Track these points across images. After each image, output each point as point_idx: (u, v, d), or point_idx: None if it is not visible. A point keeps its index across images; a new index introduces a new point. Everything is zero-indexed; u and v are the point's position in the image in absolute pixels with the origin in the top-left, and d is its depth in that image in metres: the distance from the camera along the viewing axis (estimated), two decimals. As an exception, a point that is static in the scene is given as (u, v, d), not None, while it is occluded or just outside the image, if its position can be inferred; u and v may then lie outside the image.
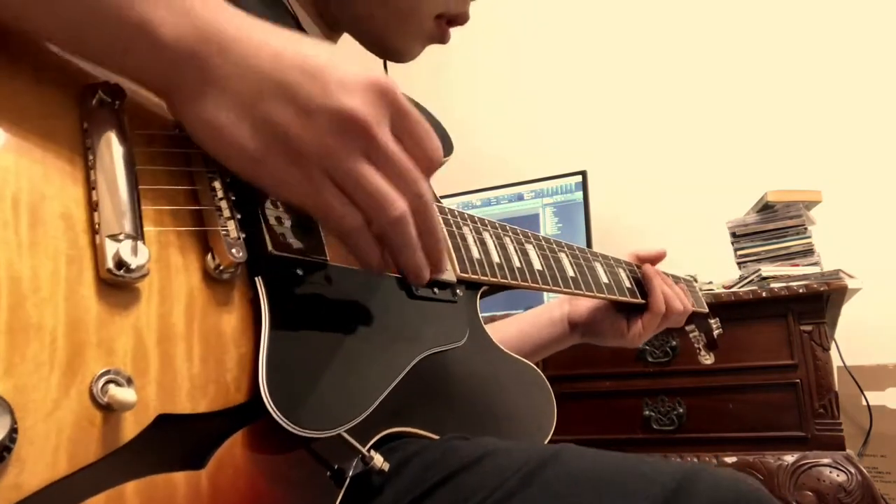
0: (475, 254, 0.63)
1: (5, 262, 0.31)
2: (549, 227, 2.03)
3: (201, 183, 0.42)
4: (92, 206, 0.36)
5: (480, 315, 0.63)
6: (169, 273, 0.38)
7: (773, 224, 1.65)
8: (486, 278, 0.63)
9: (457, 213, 0.65)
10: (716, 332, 1.01)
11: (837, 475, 1.30)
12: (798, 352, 1.41)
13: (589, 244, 1.94)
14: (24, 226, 0.33)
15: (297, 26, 0.64)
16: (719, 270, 1.73)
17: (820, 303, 1.42)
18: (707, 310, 1.02)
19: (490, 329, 0.64)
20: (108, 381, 0.33)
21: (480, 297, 0.65)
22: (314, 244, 0.46)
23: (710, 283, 1.64)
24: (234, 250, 0.39)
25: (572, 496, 0.42)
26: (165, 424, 0.35)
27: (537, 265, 0.72)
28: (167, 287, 0.37)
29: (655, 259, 0.94)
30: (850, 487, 1.28)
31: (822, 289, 1.40)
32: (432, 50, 0.72)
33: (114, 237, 0.35)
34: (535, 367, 0.65)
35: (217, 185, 0.42)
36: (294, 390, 0.40)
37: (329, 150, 0.39)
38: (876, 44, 2.00)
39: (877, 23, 2.01)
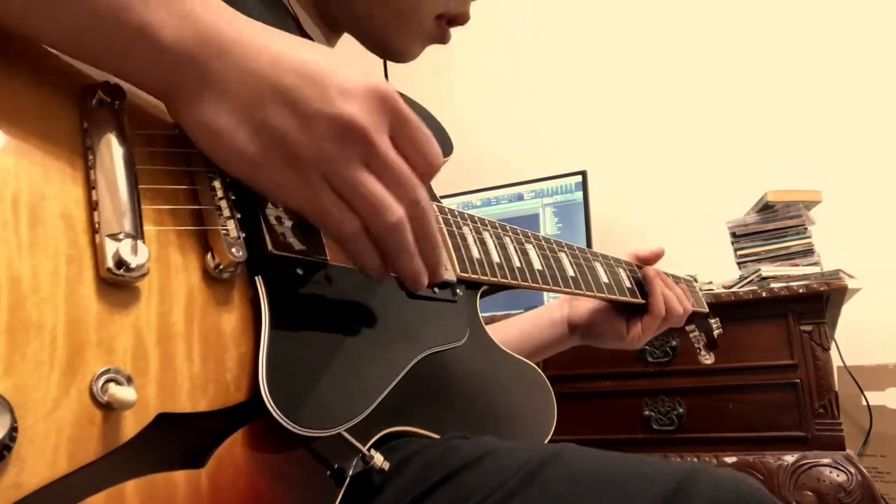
0: (475, 253, 0.63)
1: (5, 262, 0.31)
2: (549, 227, 2.03)
3: (201, 182, 0.42)
4: (92, 206, 0.36)
5: (480, 315, 0.63)
6: (169, 272, 0.38)
7: (773, 224, 1.65)
8: (486, 278, 0.63)
9: (457, 212, 0.65)
10: (716, 332, 1.01)
11: (837, 475, 1.30)
12: (798, 352, 1.41)
13: (589, 244, 1.94)
14: (24, 226, 0.33)
15: (298, 27, 0.64)
16: (719, 270, 1.73)
17: (820, 303, 1.42)
18: (707, 310, 1.02)
19: (490, 330, 0.64)
20: (108, 380, 0.33)
21: (480, 297, 0.65)
22: (314, 244, 0.46)
23: (710, 283, 1.64)
24: (234, 249, 0.39)
25: (572, 496, 0.42)
26: (165, 423, 0.35)
27: (537, 265, 0.72)
28: (167, 286, 0.37)
29: (654, 258, 0.94)
30: (850, 487, 1.28)
31: (822, 289, 1.40)
32: (432, 50, 0.72)
33: (114, 236, 0.35)
34: (535, 366, 0.65)
35: (217, 184, 0.42)
36: (294, 389, 0.40)
37: (327, 156, 0.39)
38: (876, 44, 2.00)
39: (877, 23, 2.01)
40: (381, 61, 0.73)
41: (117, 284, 0.35)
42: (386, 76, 0.77)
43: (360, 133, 0.39)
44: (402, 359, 0.49)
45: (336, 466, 0.42)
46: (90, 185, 0.36)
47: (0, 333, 0.30)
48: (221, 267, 0.39)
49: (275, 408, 0.38)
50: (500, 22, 2.45)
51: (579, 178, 2.02)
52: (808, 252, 1.59)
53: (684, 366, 1.49)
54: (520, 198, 2.10)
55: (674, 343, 1.51)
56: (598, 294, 0.80)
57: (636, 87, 2.29)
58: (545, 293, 1.82)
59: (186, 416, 0.36)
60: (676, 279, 0.96)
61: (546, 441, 0.61)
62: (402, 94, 0.61)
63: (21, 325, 0.31)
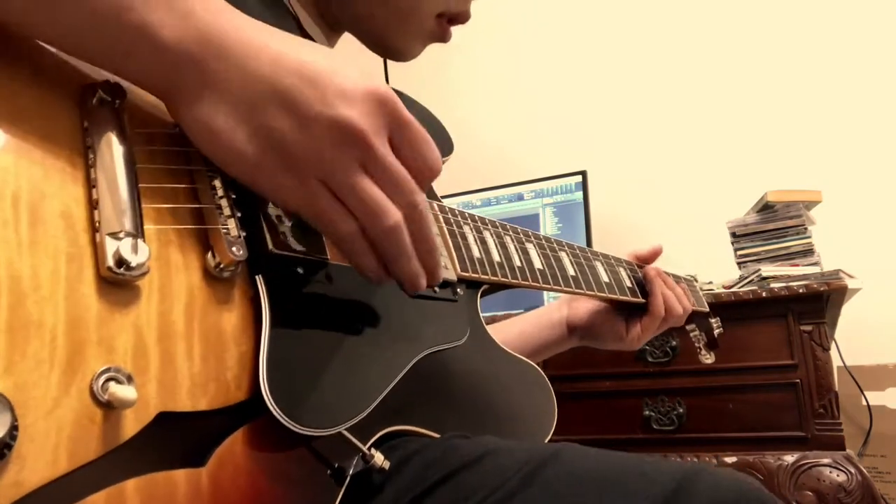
0: (476, 253, 0.63)
1: (6, 261, 0.31)
2: (549, 227, 2.03)
3: (201, 181, 0.42)
4: (92, 205, 0.36)
5: (481, 315, 0.63)
6: (169, 271, 0.38)
7: (773, 224, 1.65)
8: (486, 277, 0.63)
9: (457, 211, 0.65)
10: (716, 332, 1.01)
11: (837, 475, 1.30)
12: (798, 352, 1.41)
13: (589, 244, 1.94)
14: (25, 224, 0.33)
15: (299, 27, 0.64)
16: (719, 270, 1.73)
17: (820, 303, 1.42)
18: (708, 309, 1.02)
19: (490, 330, 0.64)
20: (108, 379, 0.33)
21: (481, 296, 0.65)
22: (315, 243, 0.46)
23: (710, 283, 1.64)
24: (234, 248, 0.39)
25: (573, 495, 0.42)
26: (166, 422, 0.35)
27: (538, 264, 0.72)
28: (167, 285, 0.37)
29: (652, 256, 0.94)
30: (850, 487, 1.28)
31: (822, 289, 1.40)
32: (433, 49, 0.72)
33: (114, 235, 0.35)
34: (535, 366, 0.65)
35: (217, 183, 0.42)
36: (295, 388, 0.40)
37: (325, 159, 0.39)
38: (876, 44, 2.00)
39: (877, 23, 2.01)
40: (381, 60, 0.73)
41: (118, 283, 0.35)
42: (386, 75, 0.77)
43: (358, 137, 0.39)
44: (402, 358, 0.49)
45: (336, 465, 0.42)
46: (90, 184, 0.36)
47: (0, 332, 0.30)
48: (222, 266, 0.39)
49: (275, 407, 0.38)
50: (500, 21, 2.45)
51: (579, 177, 2.02)
52: (808, 252, 1.59)
53: (684, 366, 1.49)
54: (520, 198, 2.10)
55: (674, 343, 1.51)
56: (598, 293, 0.80)
57: (636, 88, 2.29)
58: (546, 292, 1.82)
59: (187, 414, 0.36)
60: (677, 278, 0.96)
61: (546, 441, 0.61)
62: (402, 94, 0.61)
63: (21, 324, 0.31)
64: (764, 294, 1.44)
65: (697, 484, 0.42)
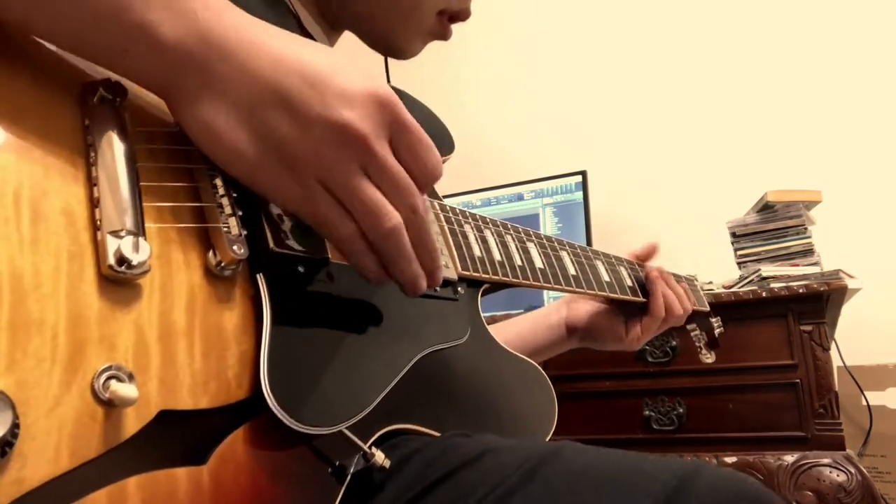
0: (476, 252, 0.63)
1: (7, 259, 0.31)
2: (549, 226, 2.03)
3: (202, 180, 0.42)
4: (93, 203, 0.36)
5: (482, 314, 0.63)
6: (170, 269, 0.38)
7: (773, 224, 1.65)
8: (487, 276, 0.63)
9: (458, 210, 0.65)
10: (717, 331, 1.01)
11: (837, 475, 1.30)
12: (798, 352, 1.41)
13: (589, 244, 1.93)
14: (26, 222, 0.33)
15: (299, 26, 0.64)
16: (719, 270, 1.73)
17: (820, 303, 1.42)
18: (708, 308, 1.02)
19: (490, 331, 0.64)
20: (109, 377, 0.33)
21: (482, 295, 0.65)
22: (316, 242, 0.46)
23: (710, 283, 1.64)
24: (235, 247, 0.39)
25: (573, 493, 0.42)
26: (167, 420, 0.35)
27: (539, 263, 0.72)
28: (168, 283, 0.37)
29: (649, 254, 0.94)
30: (850, 487, 1.28)
31: (822, 289, 1.41)
32: (433, 48, 0.72)
33: (115, 233, 0.35)
34: (536, 365, 0.65)
35: (218, 181, 0.42)
36: (295, 387, 0.40)
37: (325, 161, 0.39)
38: (876, 44, 2.00)
39: (877, 23, 2.01)
40: (382, 58, 0.73)
41: (119, 281, 0.35)
42: (387, 74, 0.77)
43: (358, 139, 0.39)
44: (403, 357, 0.49)
45: (337, 464, 0.42)
46: (91, 182, 0.36)
47: (1, 330, 0.30)
48: (223, 264, 0.39)
49: (276, 405, 0.38)
50: (501, 21, 2.45)
51: (579, 177, 2.02)
52: (808, 252, 1.59)
53: (684, 366, 1.49)
54: (520, 198, 2.10)
55: (674, 343, 1.51)
56: (599, 292, 0.80)
57: (636, 88, 2.29)
58: (546, 292, 1.82)
59: (188, 413, 0.36)
60: (678, 278, 0.96)
61: (546, 440, 0.61)
62: (402, 93, 0.61)
63: (22, 322, 0.31)
64: (764, 294, 1.44)
65: (698, 481, 0.42)
